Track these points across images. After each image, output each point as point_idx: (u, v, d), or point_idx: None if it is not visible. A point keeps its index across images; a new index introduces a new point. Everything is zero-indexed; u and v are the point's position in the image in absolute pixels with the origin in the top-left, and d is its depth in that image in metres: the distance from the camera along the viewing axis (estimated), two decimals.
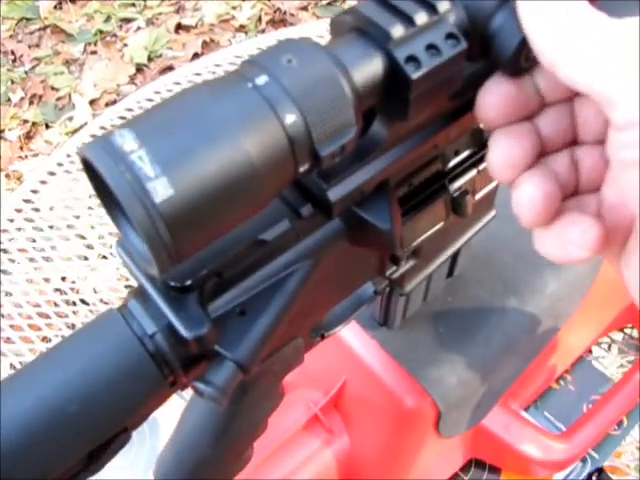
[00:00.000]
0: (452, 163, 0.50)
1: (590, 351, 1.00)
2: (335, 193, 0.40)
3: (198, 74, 1.18)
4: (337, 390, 0.74)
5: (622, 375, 0.94)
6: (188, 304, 0.38)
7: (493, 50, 0.39)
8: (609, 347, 1.03)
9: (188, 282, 0.38)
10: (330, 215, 0.42)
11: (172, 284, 0.38)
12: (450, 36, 0.36)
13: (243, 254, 0.40)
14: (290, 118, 0.32)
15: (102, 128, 1.17)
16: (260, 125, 0.32)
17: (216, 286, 0.40)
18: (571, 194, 0.40)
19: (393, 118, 0.39)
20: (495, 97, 0.39)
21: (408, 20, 0.35)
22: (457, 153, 0.50)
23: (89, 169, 0.31)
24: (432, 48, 0.36)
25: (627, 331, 1.04)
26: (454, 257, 0.65)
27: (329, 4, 2.63)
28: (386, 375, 0.68)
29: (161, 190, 0.29)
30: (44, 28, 2.69)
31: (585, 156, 0.39)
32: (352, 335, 0.69)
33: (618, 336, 1.04)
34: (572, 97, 0.39)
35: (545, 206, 0.37)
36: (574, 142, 0.40)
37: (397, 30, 0.35)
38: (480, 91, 0.39)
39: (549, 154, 0.40)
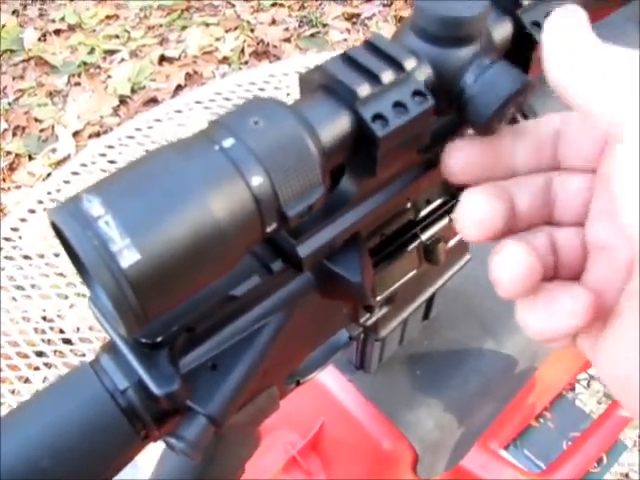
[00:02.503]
0: (424, 212, 0.50)
1: (573, 388, 1.00)
2: (304, 249, 0.40)
3: (179, 111, 1.19)
4: (315, 433, 0.74)
5: (602, 411, 0.94)
6: (159, 360, 0.38)
7: (466, 110, 0.39)
8: (588, 384, 1.04)
9: (159, 338, 0.38)
10: (300, 269, 0.42)
11: (143, 340, 0.38)
12: (417, 93, 0.37)
13: (214, 309, 0.40)
14: (257, 180, 0.32)
15: (83, 165, 1.17)
16: (227, 187, 0.32)
17: (187, 341, 0.40)
18: (550, 278, 0.38)
19: (361, 174, 0.40)
20: (459, 157, 0.39)
21: (374, 78, 0.36)
22: (429, 202, 0.50)
23: (58, 232, 0.31)
24: (399, 106, 0.36)
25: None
26: (429, 301, 0.65)
27: (312, 36, 2.66)
28: (363, 418, 0.68)
29: (127, 255, 0.30)
30: (28, 60, 2.70)
31: (564, 240, 0.38)
32: (330, 378, 0.69)
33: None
34: (550, 176, 0.39)
35: (528, 275, 0.35)
36: (551, 222, 0.39)
37: (363, 89, 0.35)
38: (445, 150, 0.40)
39: (527, 230, 0.39)
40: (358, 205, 0.42)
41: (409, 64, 0.37)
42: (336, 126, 0.35)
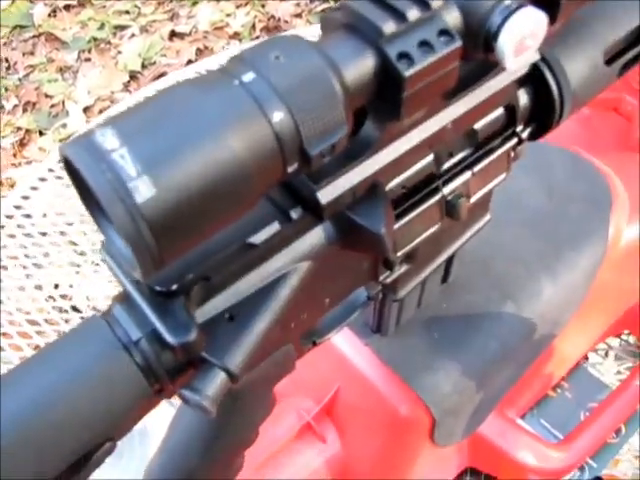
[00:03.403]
0: (446, 165, 0.49)
1: (587, 357, 0.98)
2: (325, 195, 0.39)
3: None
4: (330, 398, 0.73)
5: (620, 382, 0.93)
6: (174, 309, 0.37)
7: (492, 53, 0.38)
8: (606, 354, 1.02)
9: (174, 286, 0.37)
10: (321, 218, 0.41)
11: (157, 289, 0.37)
12: (443, 32, 0.35)
13: (231, 257, 0.39)
14: (278, 116, 0.31)
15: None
16: (246, 123, 0.31)
17: (203, 290, 0.39)
18: None
19: (385, 118, 0.38)
20: None
21: (400, 16, 0.35)
22: (451, 155, 0.49)
23: (70, 168, 0.30)
24: (425, 45, 0.35)
25: (624, 337, 1.03)
26: (448, 262, 0.64)
27: (323, 11, 2.63)
28: (380, 383, 0.66)
29: (143, 190, 0.28)
30: (38, 36, 2.68)
31: None
32: (345, 342, 0.68)
33: (615, 342, 1.03)
34: None
35: None
36: None
37: (388, 26, 0.34)
38: None
39: None
40: (381, 151, 0.41)
41: (436, 2, 0.36)
42: (360, 64, 0.34)
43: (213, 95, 0.31)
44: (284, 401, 0.74)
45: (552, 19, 0.42)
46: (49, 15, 2.76)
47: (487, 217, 0.60)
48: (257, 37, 2.55)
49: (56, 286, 1.10)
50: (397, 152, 0.41)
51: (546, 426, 0.90)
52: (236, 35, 2.58)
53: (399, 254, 0.48)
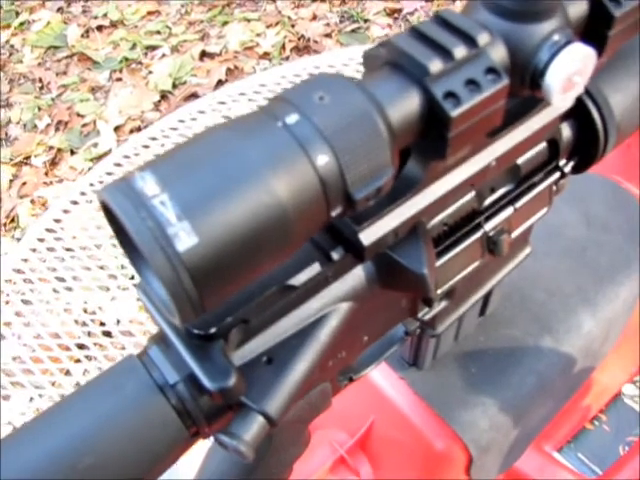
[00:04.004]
0: (488, 201, 0.48)
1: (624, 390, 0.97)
2: (368, 236, 0.38)
3: (222, 102, 1.17)
4: (364, 431, 0.72)
5: None
6: (212, 353, 0.36)
7: (539, 90, 0.37)
8: None
9: (212, 330, 0.36)
10: (362, 258, 0.40)
11: (195, 332, 0.36)
12: (490, 70, 0.34)
13: (271, 299, 0.38)
14: (322, 159, 0.30)
15: (126, 157, 1.16)
16: (290, 167, 0.30)
17: (242, 333, 0.38)
18: None
19: (429, 157, 0.37)
20: None
21: (446, 54, 0.34)
22: (493, 190, 0.48)
23: (108, 212, 0.29)
24: (471, 83, 0.34)
25: None
26: (487, 296, 0.63)
27: (353, 31, 2.63)
28: (415, 417, 0.65)
29: (185, 238, 0.28)
30: (71, 56, 2.72)
31: None
32: (380, 375, 0.67)
33: None
34: None
35: None
36: None
37: (435, 64, 0.33)
38: None
39: None
40: (424, 191, 0.40)
41: (482, 39, 0.35)
42: (406, 104, 0.33)
43: (256, 138, 0.30)
44: (318, 433, 0.73)
45: (600, 53, 0.41)
46: (82, 36, 2.80)
47: (527, 250, 0.59)
48: (287, 57, 2.56)
49: (85, 310, 1.10)
50: (440, 191, 0.40)
51: (584, 460, 0.88)
52: (266, 55, 2.59)
53: (439, 291, 0.47)
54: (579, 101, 0.51)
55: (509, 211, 0.48)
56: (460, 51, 0.34)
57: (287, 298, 0.39)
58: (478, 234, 0.47)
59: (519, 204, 0.49)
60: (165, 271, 0.28)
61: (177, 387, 0.37)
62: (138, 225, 0.28)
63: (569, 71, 0.36)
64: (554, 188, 0.52)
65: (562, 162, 0.51)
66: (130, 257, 0.33)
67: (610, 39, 0.40)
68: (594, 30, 0.40)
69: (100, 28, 2.82)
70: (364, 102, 0.32)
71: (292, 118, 0.31)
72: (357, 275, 0.41)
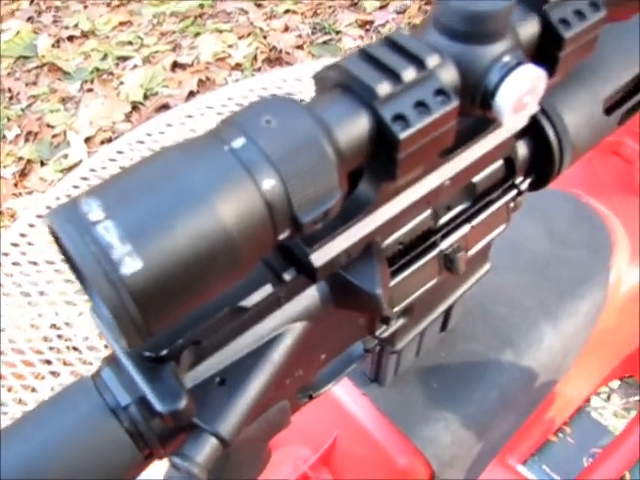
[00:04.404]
0: (444, 219, 0.48)
1: (589, 401, 0.97)
2: (319, 257, 0.38)
3: (190, 116, 1.17)
4: (327, 447, 0.72)
5: (622, 426, 0.91)
6: (163, 375, 0.36)
7: (490, 110, 0.37)
8: (608, 397, 1.01)
9: (163, 352, 0.36)
10: (314, 279, 0.40)
11: (146, 354, 0.36)
12: (440, 92, 0.35)
13: (222, 321, 0.38)
14: (268, 183, 0.30)
15: (92, 170, 1.15)
16: (236, 190, 0.30)
17: (193, 355, 0.38)
18: None
19: (380, 178, 0.37)
20: None
21: (395, 76, 0.34)
22: (449, 209, 0.48)
23: (56, 237, 0.29)
24: (420, 105, 0.34)
25: (627, 380, 1.02)
26: (447, 311, 0.63)
27: (325, 43, 2.64)
28: (378, 433, 0.65)
29: (128, 263, 0.28)
30: (41, 66, 2.70)
31: None
32: (343, 392, 0.67)
33: (617, 385, 1.02)
34: None
35: None
36: None
37: (383, 87, 0.33)
38: None
39: None
40: (376, 212, 0.40)
41: (432, 61, 0.35)
42: (354, 126, 0.33)
43: (202, 162, 0.30)
44: (281, 450, 0.73)
45: (551, 73, 0.41)
46: (52, 46, 2.78)
47: (487, 266, 0.59)
48: (259, 68, 2.56)
49: (53, 325, 1.09)
50: (392, 212, 0.41)
51: (548, 472, 0.88)
52: (238, 66, 2.59)
53: (396, 309, 0.47)
54: (534, 120, 0.51)
55: (465, 229, 0.49)
56: (409, 74, 0.34)
57: (239, 319, 0.39)
58: (434, 252, 0.47)
59: (475, 222, 0.49)
60: (109, 296, 0.28)
61: (129, 409, 0.37)
62: (82, 250, 0.28)
63: (519, 92, 0.36)
64: (511, 205, 0.53)
65: (518, 180, 0.52)
66: (80, 281, 0.33)
67: (561, 60, 0.41)
68: (545, 51, 0.41)
69: (71, 38, 2.80)
70: (311, 125, 0.32)
71: (238, 142, 0.30)
72: (310, 295, 0.41)
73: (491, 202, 0.50)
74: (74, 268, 0.31)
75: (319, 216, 0.32)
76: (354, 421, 0.66)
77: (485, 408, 0.67)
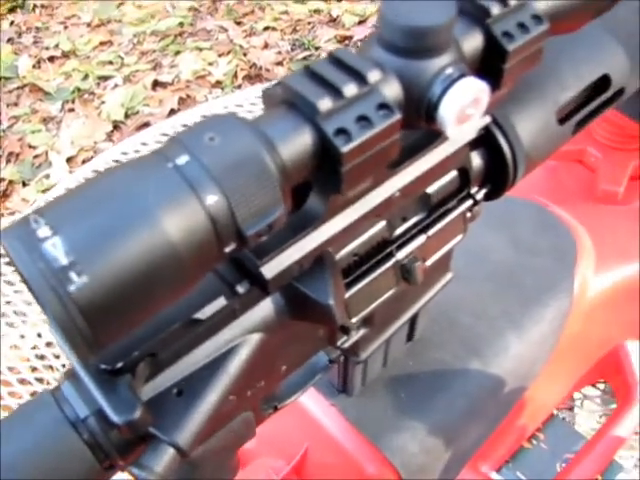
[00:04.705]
0: (399, 230, 0.49)
1: (569, 408, 0.98)
2: (270, 269, 0.39)
3: (166, 134, 1.18)
4: (299, 458, 0.72)
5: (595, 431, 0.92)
6: (119, 387, 0.37)
7: (434, 122, 0.38)
8: (581, 403, 1.02)
9: (119, 364, 0.37)
10: (267, 291, 0.41)
11: (102, 367, 0.37)
12: (382, 106, 0.36)
13: (177, 333, 0.39)
14: (211, 199, 0.31)
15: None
16: (180, 206, 0.31)
17: (150, 367, 0.39)
18: None
19: (328, 191, 0.39)
20: None
21: (336, 92, 0.35)
22: (405, 220, 0.49)
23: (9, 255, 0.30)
24: (363, 119, 0.35)
25: (600, 386, 1.03)
26: (413, 321, 0.64)
27: (304, 59, 2.66)
28: (347, 443, 0.66)
29: (75, 278, 0.28)
30: (22, 87, 2.70)
31: None
32: (312, 403, 0.68)
33: (590, 391, 1.03)
34: None
35: None
36: None
37: (324, 103, 0.34)
38: None
39: None
40: (325, 224, 0.41)
41: (373, 76, 0.36)
42: (297, 142, 0.34)
43: (147, 179, 0.31)
44: (254, 461, 0.73)
45: (496, 86, 0.42)
46: (33, 66, 2.79)
47: (449, 276, 0.60)
48: (239, 86, 2.58)
49: (39, 335, 1.09)
50: (342, 224, 0.42)
51: (522, 479, 0.89)
52: (218, 84, 2.60)
53: (354, 320, 0.48)
54: (487, 131, 0.53)
55: (421, 239, 0.50)
56: (350, 89, 0.35)
57: (194, 331, 0.40)
58: (390, 263, 0.48)
59: (431, 232, 0.50)
60: (57, 310, 0.29)
61: (88, 421, 0.38)
62: (30, 267, 0.28)
63: (462, 104, 0.37)
64: (468, 215, 0.54)
65: (474, 190, 0.53)
66: (36, 299, 0.33)
67: (506, 72, 0.42)
68: (490, 64, 0.42)
69: (52, 59, 2.81)
70: (253, 142, 0.33)
71: (182, 159, 0.32)
72: (266, 307, 0.42)
73: (447, 212, 0.51)
74: (28, 286, 0.32)
75: (263, 229, 0.33)
76: (324, 432, 0.67)
77: (453, 416, 0.68)
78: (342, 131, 0.34)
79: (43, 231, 0.29)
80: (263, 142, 0.33)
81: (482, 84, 0.38)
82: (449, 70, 0.38)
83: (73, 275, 0.28)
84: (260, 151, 0.33)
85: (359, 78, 0.36)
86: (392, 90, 0.37)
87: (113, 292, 0.29)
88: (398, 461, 0.65)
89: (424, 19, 0.36)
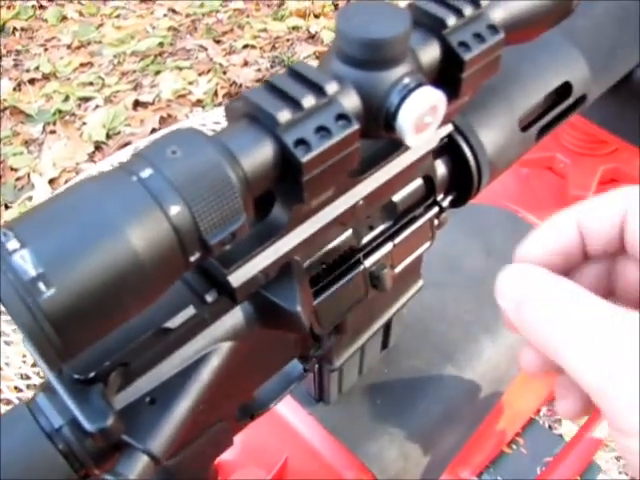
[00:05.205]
0: (367, 238, 0.50)
1: (539, 411, 0.99)
2: (237, 278, 0.40)
3: None
4: (279, 468, 0.73)
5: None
6: (91, 396, 0.38)
7: (393, 131, 0.40)
8: None
9: (91, 374, 0.38)
10: (235, 300, 0.42)
11: (75, 376, 0.38)
12: (341, 117, 0.37)
13: (149, 342, 0.40)
14: (175, 209, 0.32)
15: None
16: (144, 218, 0.32)
17: (123, 376, 0.40)
18: None
19: (290, 201, 0.40)
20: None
21: (295, 104, 0.36)
22: (372, 228, 0.51)
23: None
24: (322, 130, 0.36)
25: None
26: (387, 329, 0.65)
27: None
28: (325, 451, 0.67)
29: (43, 289, 0.29)
30: (3, 110, 2.71)
31: None
32: (290, 412, 0.68)
33: None
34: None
35: None
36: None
37: (284, 115, 0.36)
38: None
39: None
40: (290, 232, 0.42)
41: (331, 88, 0.37)
42: (258, 153, 0.36)
43: (113, 192, 0.32)
44: (235, 472, 0.74)
45: (454, 95, 0.43)
46: (14, 89, 2.80)
47: (419, 283, 0.61)
48: (220, 103, 2.59)
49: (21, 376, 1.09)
50: (307, 232, 0.43)
51: None
52: (199, 102, 2.62)
53: (325, 327, 0.49)
54: (452, 138, 0.54)
55: (388, 247, 0.51)
56: (308, 100, 0.36)
57: (165, 341, 0.41)
58: (358, 270, 0.49)
59: (398, 240, 0.52)
60: (27, 321, 0.30)
61: (62, 431, 0.39)
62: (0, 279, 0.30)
63: (419, 112, 0.38)
64: (435, 222, 0.55)
65: (440, 197, 0.54)
66: (6, 309, 0.34)
67: (464, 81, 0.43)
68: (447, 74, 0.43)
69: (32, 81, 2.82)
70: (214, 154, 0.34)
71: (146, 172, 0.33)
72: (235, 315, 0.43)
73: (413, 220, 0.53)
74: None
75: (226, 237, 0.34)
76: (302, 441, 0.68)
77: (429, 421, 0.69)
78: (302, 142, 0.36)
79: (12, 244, 0.30)
80: (224, 154, 0.34)
81: (438, 93, 0.39)
82: (406, 80, 0.39)
83: (42, 286, 0.29)
84: (221, 163, 0.34)
85: (317, 90, 0.37)
86: (350, 101, 0.38)
87: (81, 303, 0.30)
88: (376, 467, 0.66)
89: (379, 31, 0.38)
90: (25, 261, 0.30)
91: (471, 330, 0.75)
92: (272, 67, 2.75)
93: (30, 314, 0.29)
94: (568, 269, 0.40)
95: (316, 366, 0.58)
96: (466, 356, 0.73)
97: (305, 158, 0.35)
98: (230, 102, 0.39)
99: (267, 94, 0.37)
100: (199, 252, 0.34)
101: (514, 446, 0.93)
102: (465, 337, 0.74)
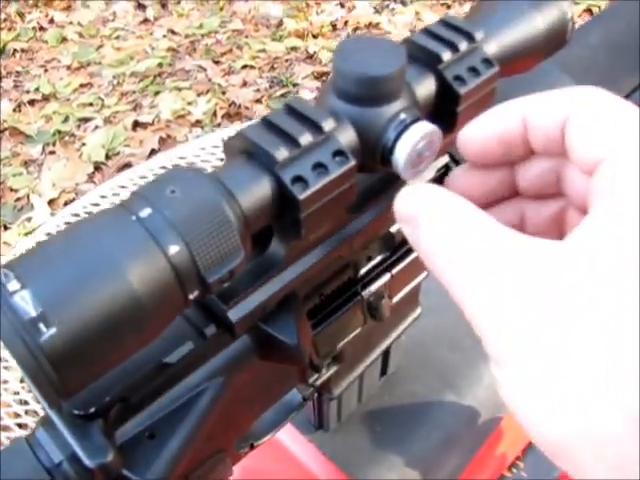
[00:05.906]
0: (364, 270, 0.50)
1: None
2: (236, 313, 0.41)
3: (144, 177, 1.20)
4: None
5: None
6: (91, 432, 0.38)
7: (390, 166, 0.40)
8: None
9: (91, 410, 0.38)
10: (234, 334, 0.42)
11: (75, 412, 0.38)
12: (338, 153, 0.37)
13: (148, 378, 0.40)
14: (174, 249, 0.33)
15: (49, 234, 1.17)
16: (144, 258, 0.32)
17: (122, 411, 0.40)
18: None
19: (288, 237, 0.40)
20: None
21: (293, 141, 0.36)
22: (370, 259, 0.51)
23: None
24: (319, 167, 0.37)
25: None
26: (385, 356, 0.65)
27: (283, 95, 2.69)
28: (325, 478, 0.67)
29: (43, 329, 0.30)
30: (3, 130, 2.72)
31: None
32: (290, 439, 0.68)
33: None
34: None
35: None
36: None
37: (281, 152, 0.36)
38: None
39: None
40: (289, 267, 0.42)
41: (328, 125, 0.37)
42: (256, 191, 0.36)
43: (112, 232, 0.32)
44: None
45: (451, 128, 0.44)
46: (14, 110, 2.80)
47: (418, 311, 0.62)
48: (219, 124, 2.60)
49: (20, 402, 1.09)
50: (305, 267, 0.43)
51: None
52: (198, 123, 2.63)
53: (324, 358, 0.50)
54: (447, 168, 0.54)
55: (386, 278, 0.51)
56: (305, 138, 0.37)
57: (165, 375, 0.41)
58: (356, 301, 0.50)
59: (396, 270, 0.52)
60: (27, 361, 0.30)
61: (62, 466, 0.39)
62: (0, 319, 0.30)
63: (415, 147, 0.39)
64: None
65: None
66: (6, 348, 0.35)
67: (460, 114, 0.43)
68: (443, 108, 0.43)
69: (32, 102, 2.83)
70: (213, 192, 0.34)
71: (145, 212, 0.33)
72: (235, 349, 0.43)
73: (411, 250, 0.53)
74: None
75: (225, 275, 0.35)
76: (302, 468, 0.68)
77: (429, 447, 0.69)
78: (299, 179, 0.36)
79: (12, 285, 0.30)
80: (222, 192, 0.35)
81: (434, 128, 0.40)
82: (402, 116, 0.39)
83: (42, 326, 0.30)
84: (219, 201, 0.34)
85: (314, 127, 0.37)
86: (347, 137, 0.39)
87: (81, 342, 0.31)
88: None
89: (375, 68, 0.38)
90: (26, 302, 0.30)
91: (470, 355, 0.75)
92: (271, 87, 2.76)
93: (30, 354, 0.30)
94: (509, 161, 0.39)
95: (315, 395, 0.58)
96: (466, 382, 0.73)
97: (303, 195, 0.36)
98: (227, 139, 0.39)
99: (264, 131, 0.37)
100: (198, 290, 0.34)
101: (515, 470, 0.93)
102: (464, 362, 0.74)
